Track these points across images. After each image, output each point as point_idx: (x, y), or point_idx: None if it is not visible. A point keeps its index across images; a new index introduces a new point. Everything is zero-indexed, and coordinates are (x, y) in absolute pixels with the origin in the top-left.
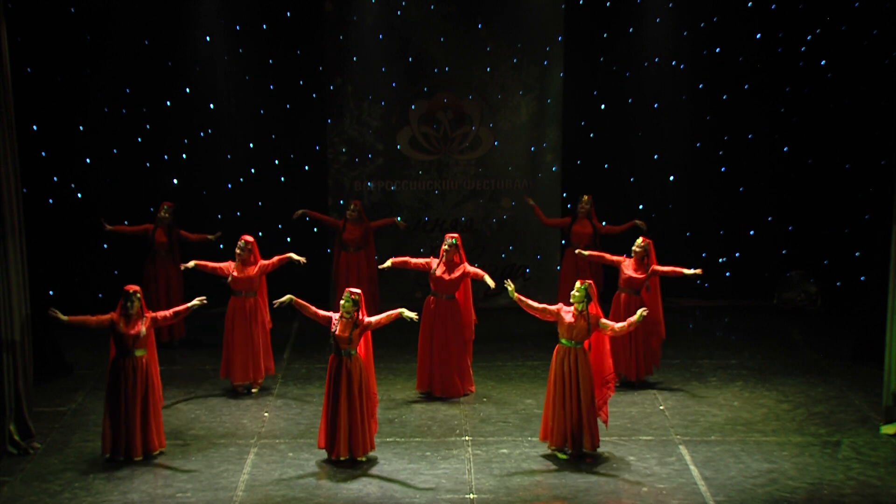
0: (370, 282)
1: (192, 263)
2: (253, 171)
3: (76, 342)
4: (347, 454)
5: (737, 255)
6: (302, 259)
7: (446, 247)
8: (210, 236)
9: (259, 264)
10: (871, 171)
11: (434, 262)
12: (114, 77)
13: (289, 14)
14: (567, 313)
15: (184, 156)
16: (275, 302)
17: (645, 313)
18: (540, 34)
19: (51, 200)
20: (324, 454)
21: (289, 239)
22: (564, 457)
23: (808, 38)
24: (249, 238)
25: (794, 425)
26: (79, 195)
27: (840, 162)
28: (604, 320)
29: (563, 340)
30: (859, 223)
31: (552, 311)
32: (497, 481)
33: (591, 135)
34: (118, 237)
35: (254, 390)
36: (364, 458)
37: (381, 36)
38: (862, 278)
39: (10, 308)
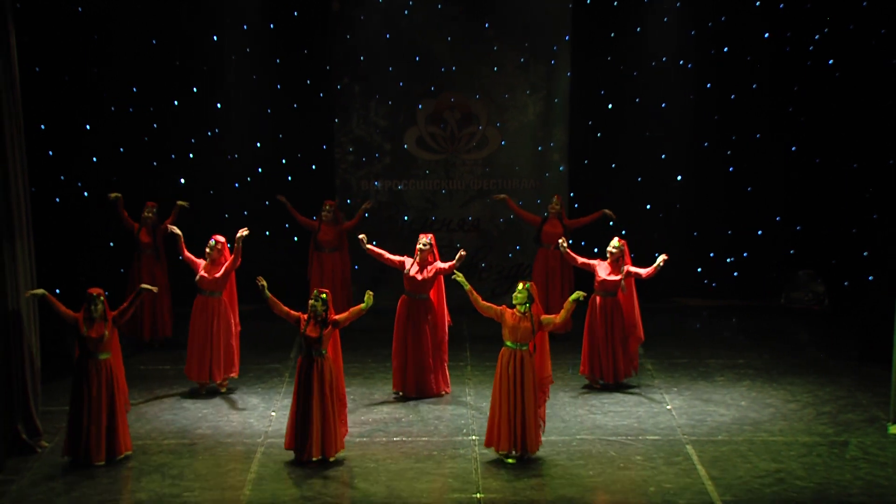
0: (344, 283)
1: (176, 230)
2: (260, 170)
3: None
4: (320, 454)
5: (744, 254)
6: (244, 231)
7: (420, 246)
8: (181, 202)
9: (225, 265)
10: (878, 170)
11: (409, 261)
12: (121, 76)
13: (296, 14)
14: (511, 315)
15: (191, 155)
16: (258, 279)
17: (581, 296)
18: (547, 34)
19: (57, 199)
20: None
21: (296, 238)
22: (513, 461)
23: (816, 37)
24: (221, 238)
25: (801, 425)
26: (85, 194)
27: (848, 161)
28: (545, 316)
29: (508, 343)
30: (867, 223)
31: (496, 311)
32: (504, 481)
33: (599, 134)
34: (114, 215)
35: (222, 391)
36: (333, 459)
37: (388, 35)
38: (870, 278)
39: (18, 307)
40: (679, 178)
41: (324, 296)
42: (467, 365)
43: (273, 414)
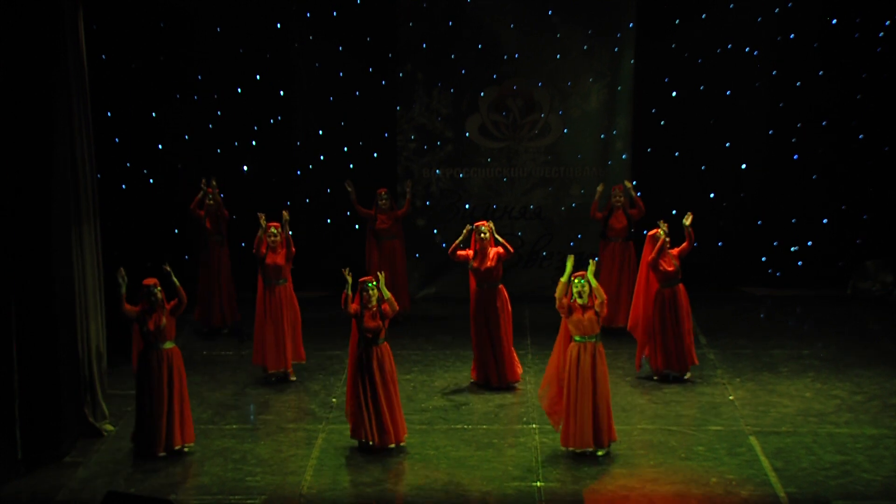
0: (403, 272)
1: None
2: (322, 158)
3: None
4: (394, 441)
5: (809, 243)
6: (284, 215)
7: (481, 236)
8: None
9: (285, 253)
10: None
11: (470, 253)
12: (186, 64)
13: (359, 1)
14: (574, 309)
15: (253, 142)
16: (344, 270)
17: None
18: (611, 21)
19: (124, 186)
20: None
21: (357, 226)
22: (602, 453)
23: (887, 23)
24: (277, 224)
25: (868, 417)
26: (150, 181)
27: None
28: (598, 302)
29: (576, 337)
30: None
31: (563, 304)
32: (564, 470)
33: (662, 122)
34: (187, 209)
35: (292, 378)
36: (395, 445)
37: (450, 23)
38: None
39: (85, 291)
40: (744, 166)
41: (373, 284)
42: (528, 353)
43: (334, 401)
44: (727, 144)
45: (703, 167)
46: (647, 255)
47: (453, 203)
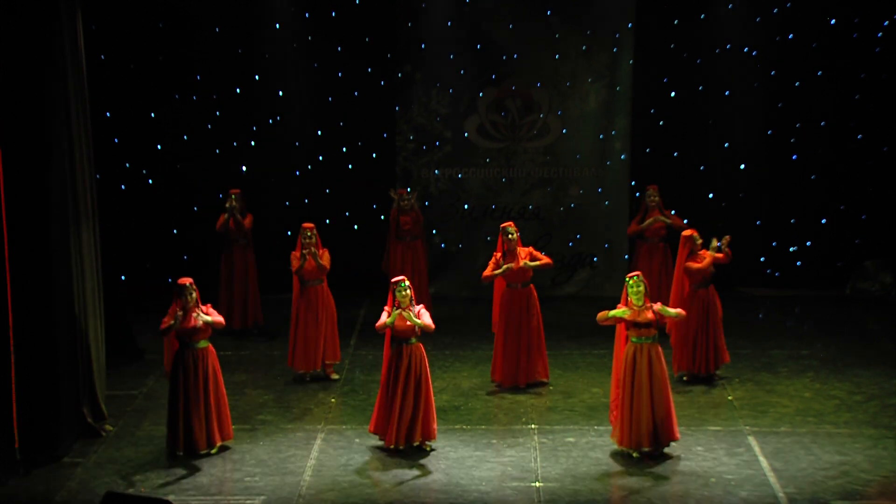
0: (423, 273)
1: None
2: (321, 158)
3: (147, 327)
4: (404, 442)
5: (808, 244)
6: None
7: (509, 237)
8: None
9: (321, 254)
10: None
11: (499, 256)
12: (185, 64)
13: (357, 1)
14: (631, 312)
15: (252, 143)
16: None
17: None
18: (610, 21)
19: (123, 186)
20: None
21: (356, 227)
22: (637, 455)
23: (885, 23)
24: (311, 225)
25: (866, 417)
26: (150, 181)
27: None
28: (666, 309)
29: (633, 339)
30: None
31: (616, 318)
32: (563, 470)
33: (661, 122)
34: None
35: (334, 377)
36: (423, 445)
37: (449, 23)
38: None
39: (84, 292)
40: (742, 166)
41: (406, 284)
42: None
43: (333, 401)
44: (726, 144)
45: (702, 167)
46: (682, 256)
47: (452, 203)
